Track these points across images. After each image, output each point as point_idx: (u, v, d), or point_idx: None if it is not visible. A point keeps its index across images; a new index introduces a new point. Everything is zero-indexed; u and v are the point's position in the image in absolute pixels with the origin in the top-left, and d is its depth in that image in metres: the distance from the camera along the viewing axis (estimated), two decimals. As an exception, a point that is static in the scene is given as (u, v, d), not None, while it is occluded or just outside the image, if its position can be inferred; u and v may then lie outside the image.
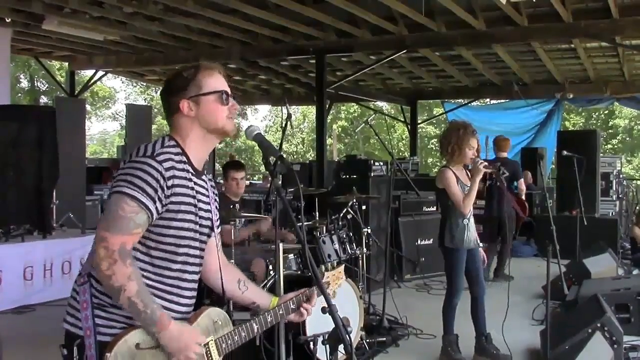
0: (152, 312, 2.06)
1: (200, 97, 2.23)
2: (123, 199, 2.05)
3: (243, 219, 5.63)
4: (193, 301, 2.32)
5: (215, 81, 2.27)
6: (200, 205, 2.26)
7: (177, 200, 2.15)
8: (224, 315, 2.33)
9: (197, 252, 2.28)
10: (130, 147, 11.03)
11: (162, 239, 2.15)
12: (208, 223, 2.31)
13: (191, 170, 2.23)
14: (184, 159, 2.21)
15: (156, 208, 2.09)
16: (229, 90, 2.29)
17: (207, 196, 2.31)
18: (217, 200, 2.45)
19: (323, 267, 2.70)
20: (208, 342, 2.22)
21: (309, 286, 2.57)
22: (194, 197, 2.22)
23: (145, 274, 2.14)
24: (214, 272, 2.45)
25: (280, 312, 2.44)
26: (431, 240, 8.34)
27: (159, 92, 2.32)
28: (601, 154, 12.27)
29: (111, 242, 2.03)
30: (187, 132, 2.25)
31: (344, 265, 2.90)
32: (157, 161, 2.10)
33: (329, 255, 5.48)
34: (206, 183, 2.33)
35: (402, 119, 18.38)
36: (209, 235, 2.34)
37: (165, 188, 2.10)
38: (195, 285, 2.33)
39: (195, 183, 2.24)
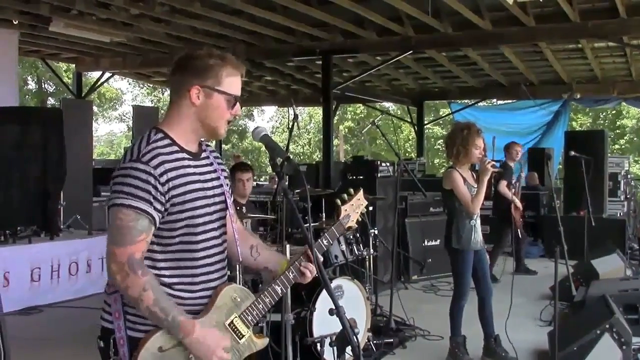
0: (173, 318, 2.07)
1: (214, 91, 2.16)
2: (119, 211, 2.04)
3: (250, 221, 5.62)
4: (224, 280, 2.30)
5: (234, 83, 2.20)
6: (208, 184, 2.22)
7: (179, 191, 2.11)
8: (241, 289, 2.31)
9: (217, 233, 2.26)
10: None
11: (174, 232, 2.14)
12: (221, 198, 2.28)
13: (187, 156, 2.17)
14: (176, 148, 2.15)
15: (155, 208, 2.06)
16: (239, 95, 2.23)
17: (214, 171, 2.27)
18: (226, 170, 2.39)
19: (339, 201, 2.59)
20: (232, 320, 2.23)
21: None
22: (197, 181, 2.18)
23: (166, 272, 2.13)
24: (229, 240, 2.39)
25: (292, 274, 2.38)
26: (438, 241, 8.32)
27: (175, 61, 2.20)
28: (609, 154, 12.22)
29: (119, 255, 2.04)
30: (182, 119, 2.19)
31: (361, 189, 2.71)
32: (143, 162, 2.06)
33: (336, 257, 5.47)
34: (209, 159, 2.28)
35: (409, 120, 18.35)
36: (225, 209, 2.30)
37: (159, 186, 2.06)
38: (224, 264, 2.31)
39: (195, 166, 2.19)
